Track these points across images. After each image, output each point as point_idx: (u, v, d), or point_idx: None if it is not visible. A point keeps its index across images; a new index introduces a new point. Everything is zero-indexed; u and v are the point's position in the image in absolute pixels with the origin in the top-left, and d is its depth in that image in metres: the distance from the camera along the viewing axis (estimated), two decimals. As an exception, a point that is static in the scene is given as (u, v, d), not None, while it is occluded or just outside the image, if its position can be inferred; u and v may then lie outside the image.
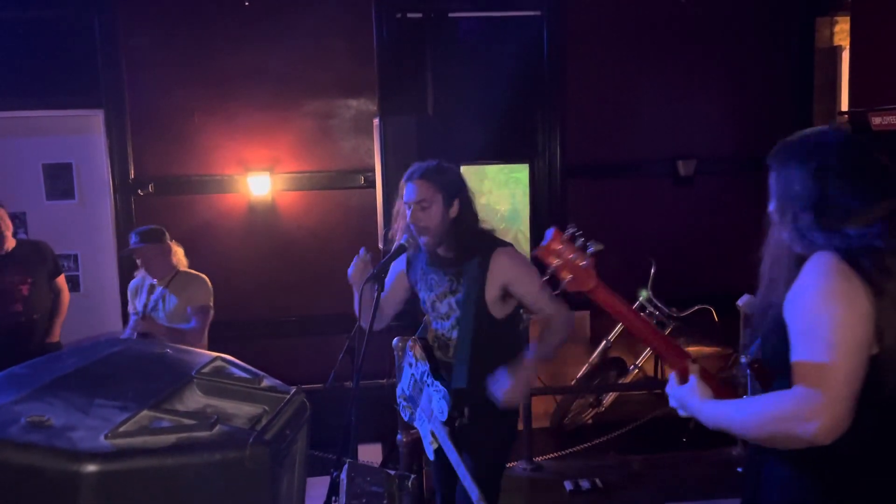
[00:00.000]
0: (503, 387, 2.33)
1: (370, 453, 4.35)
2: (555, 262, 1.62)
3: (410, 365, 2.64)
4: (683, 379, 1.60)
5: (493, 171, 5.60)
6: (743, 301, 4.00)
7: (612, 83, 5.26)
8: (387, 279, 2.56)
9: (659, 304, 4.82)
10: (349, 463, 2.04)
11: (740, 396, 1.62)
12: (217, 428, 1.32)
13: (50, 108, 4.96)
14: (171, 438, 1.27)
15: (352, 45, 5.04)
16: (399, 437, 3.37)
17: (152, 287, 3.75)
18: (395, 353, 3.33)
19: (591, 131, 5.29)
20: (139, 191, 4.97)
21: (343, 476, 2.04)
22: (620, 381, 4.91)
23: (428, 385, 2.43)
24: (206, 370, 1.59)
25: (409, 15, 5.13)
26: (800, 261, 1.49)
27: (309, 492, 1.67)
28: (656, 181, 5.32)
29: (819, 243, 1.45)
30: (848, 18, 5.14)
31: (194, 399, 1.50)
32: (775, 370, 1.56)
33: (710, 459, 4.33)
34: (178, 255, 3.78)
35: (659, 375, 5.11)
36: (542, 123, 5.34)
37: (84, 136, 5.06)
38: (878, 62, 4.57)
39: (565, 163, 5.30)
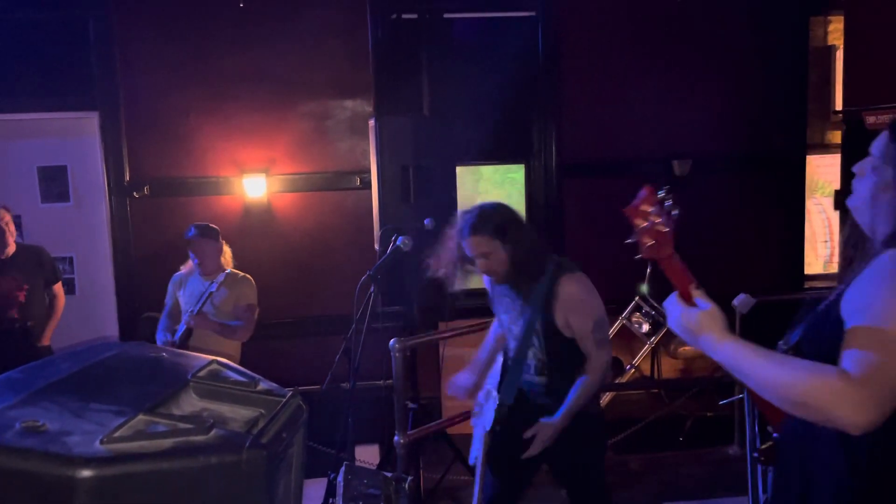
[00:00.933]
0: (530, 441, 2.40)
1: (368, 454, 4.34)
2: (642, 224, 1.54)
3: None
4: (689, 301, 1.50)
5: (489, 171, 5.61)
6: (738, 301, 4.01)
7: (607, 83, 5.27)
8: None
9: (655, 304, 4.83)
10: (346, 465, 2.03)
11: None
12: (213, 432, 1.32)
13: (44, 111, 4.95)
14: (167, 442, 1.26)
15: (347, 45, 5.04)
16: (396, 438, 3.37)
17: (196, 280, 3.95)
18: (393, 354, 3.34)
19: (586, 131, 5.29)
20: (134, 193, 4.96)
21: (340, 478, 2.05)
22: (617, 381, 4.91)
23: (493, 397, 2.50)
24: (201, 374, 1.58)
25: (405, 16, 5.13)
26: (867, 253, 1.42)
27: (306, 493, 1.67)
28: (652, 180, 5.29)
29: None
30: (842, 18, 5.16)
31: (190, 403, 1.50)
32: (812, 359, 1.46)
33: (708, 458, 4.35)
34: (227, 256, 4.03)
35: (656, 375, 5.12)
36: (537, 123, 5.35)
37: (79, 138, 5.05)
38: (872, 61, 4.58)
39: (561, 162, 5.31)
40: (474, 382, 2.75)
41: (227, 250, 4.03)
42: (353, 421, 3.34)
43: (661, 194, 1.56)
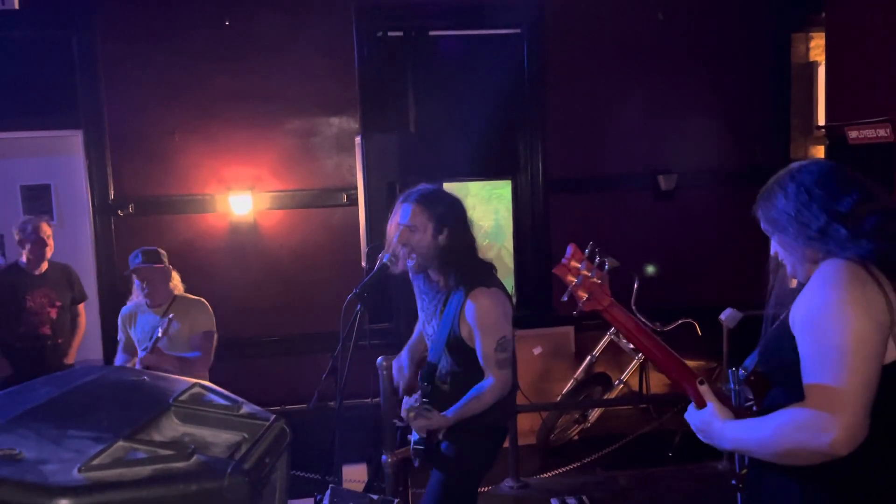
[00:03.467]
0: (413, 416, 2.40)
1: (355, 474, 4.30)
2: (573, 280, 1.60)
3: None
4: (700, 403, 1.56)
5: (477, 187, 5.62)
6: (725, 315, 4.02)
7: (593, 99, 5.30)
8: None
9: (642, 319, 4.83)
10: (332, 488, 2.01)
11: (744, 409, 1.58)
12: (194, 458, 1.30)
13: (28, 129, 4.92)
14: (146, 470, 1.24)
15: (333, 63, 5.05)
16: (384, 457, 3.33)
17: (146, 313, 3.61)
18: (380, 371, 3.32)
19: (572, 147, 5.32)
20: (119, 211, 4.92)
21: (326, 501, 2.02)
22: (606, 397, 4.90)
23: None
24: (183, 397, 1.56)
25: (390, 33, 5.15)
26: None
27: (292, 516, 1.64)
28: (637, 196, 5.35)
29: (832, 251, 1.44)
30: (823, 34, 5.23)
31: (172, 427, 1.48)
32: (775, 380, 1.55)
33: (696, 474, 4.33)
34: (176, 280, 3.68)
35: (644, 390, 5.11)
36: (523, 139, 5.37)
37: (63, 156, 5.01)
38: (853, 77, 4.64)
39: (547, 178, 5.33)
40: (410, 372, 2.71)
41: (175, 274, 3.67)
42: (341, 440, 3.31)
43: (588, 250, 1.62)
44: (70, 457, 1.22)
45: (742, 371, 1.66)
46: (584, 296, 1.59)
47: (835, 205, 1.45)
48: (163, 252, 3.66)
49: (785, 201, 1.51)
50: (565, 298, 1.63)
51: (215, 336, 3.62)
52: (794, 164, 1.58)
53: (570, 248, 1.62)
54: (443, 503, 2.53)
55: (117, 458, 1.25)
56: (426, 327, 2.59)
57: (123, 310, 3.73)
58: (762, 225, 1.62)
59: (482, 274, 2.43)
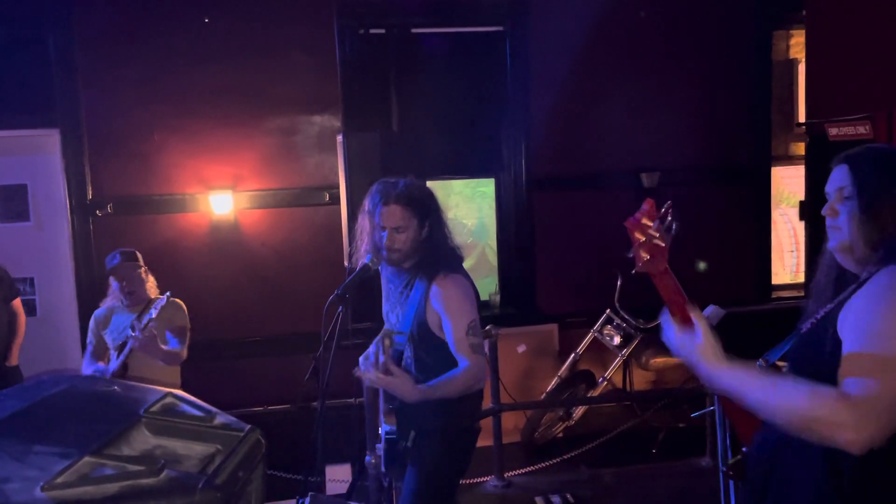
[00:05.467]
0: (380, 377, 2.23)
1: (339, 474, 4.28)
2: (640, 238, 1.54)
3: None
4: (683, 320, 1.51)
5: (460, 185, 5.60)
6: (708, 312, 4.02)
7: (575, 97, 5.29)
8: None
9: (626, 316, 4.84)
10: (311, 496, 1.99)
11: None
12: (164, 473, 1.27)
13: (3, 129, 4.83)
14: (113, 487, 1.21)
15: (314, 60, 5.00)
16: (368, 458, 3.32)
17: (121, 313, 3.62)
18: (364, 371, 3.29)
19: (555, 145, 5.31)
20: (97, 211, 4.85)
21: (305, 508, 1.99)
22: (590, 394, 4.91)
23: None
24: (155, 408, 1.53)
25: (372, 30, 5.11)
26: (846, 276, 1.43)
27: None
28: (620, 193, 5.35)
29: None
30: (803, 32, 5.25)
31: (142, 440, 1.44)
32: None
33: (681, 471, 4.35)
34: (151, 282, 3.73)
35: (628, 387, 5.12)
36: (506, 137, 5.35)
37: (39, 156, 4.93)
38: (833, 74, 4.66)
39: (530, 176, 5.31)
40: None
41: (150, 277, 3.71)
42: (324, 441, 3.29)
43: (663, 210, 1.55)
44: (33, 475, 1.19)
45: (761, 363, 1.62)
46: (646, 257, 1.53)
47: None
48: (139, 254, 3.69)
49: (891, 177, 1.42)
50: (630, 255, 1.57)
51: (188, 333, 3.66)
52: None
53: (646, 204, 1.55)
54: (421, 500, 2.50)
55: (83, 475, 1.22)
56: (390, 315, 2.57)
57: (97, 312, 3.72)
58: (842, 183, 1.50)
59: (448, 260, 2.41)
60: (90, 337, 3.70)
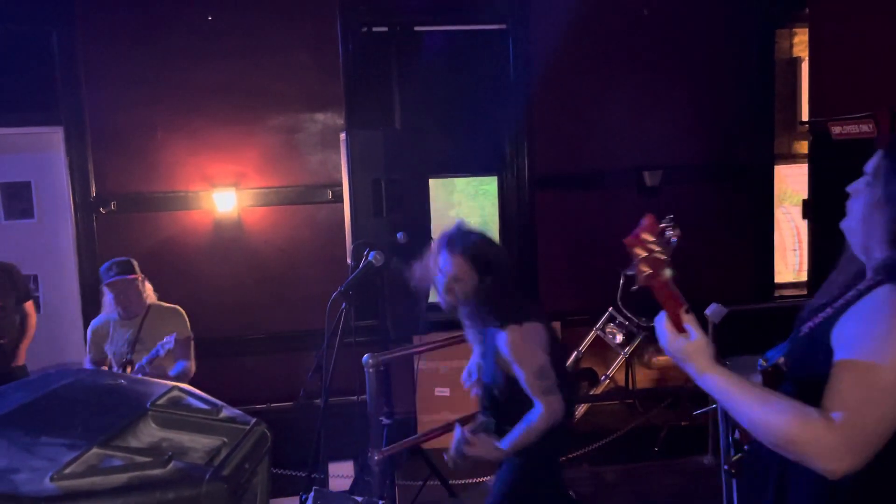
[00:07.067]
0: (462, 447, 2.45)
1: (342, 470, 4.29)
2: (641, 254, 1.53)
3: None
4: (677, 327, 1.50)
5: (462, 183, 5.60)
6: (710, 310, 4.03)
7: (578, 95, 5.30)
8: None
9: (629, 314, 4.84)
10: (315, 490, 1.99)
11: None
12: (171, 464, 1.27)
13: (7, 126, 4.85)
14: (121, 478, 1.21)
15: (317, 58, 5.01)
16: (371, 454, 3.32)
17: (119, 326, 3.55)
18: (366, 369, 3.30)
19: (558, 143, 5.31)
20: (101, 209, 4.86)
21: (310, 503, 2.00)
22: (592, 392, 4.91)
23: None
24: (161, 401, 1.53)
25: (375, 29, 5.11)
26: (860, 277, 1.41)
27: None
28: (623, 191, 5.36)
29: None
30: (807, 30, 5.25)
31: (149, 433, 1.45)
32: (798, 386, 1.47)
33: (683, 468, 4.35)
34: (149, 289, 3.64)
35: (630, 386, 5.13)
36: (509, 135, 5.35)
37: (43, 153, 4.94)
38: (837, 73, 4.66)
39: (533, 174, 5.32)
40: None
41: (147, 283, 3.63)
42: (327, 437, 3.30)
43: (663, 224, 1.55)
44: (42, 465, 1.19)
45: (762, 362, 1.62)
46: (648, 271, 1.52)
47: None
48: (134, 261, 3.61)
49: None
50: (629, 271, 1.55)
51: (192, 342, 3.61)
52: None
53: (646, 220, 1.54)
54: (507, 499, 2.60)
55: (91, 466, 1.23)
56: (476, 347, 2.63)
57: (93, 323, 3.65)
58: (869, 169, 1.45)
59: (510, 312, 2.47)
60: (89, 346, 3.65)
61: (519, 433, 2.42)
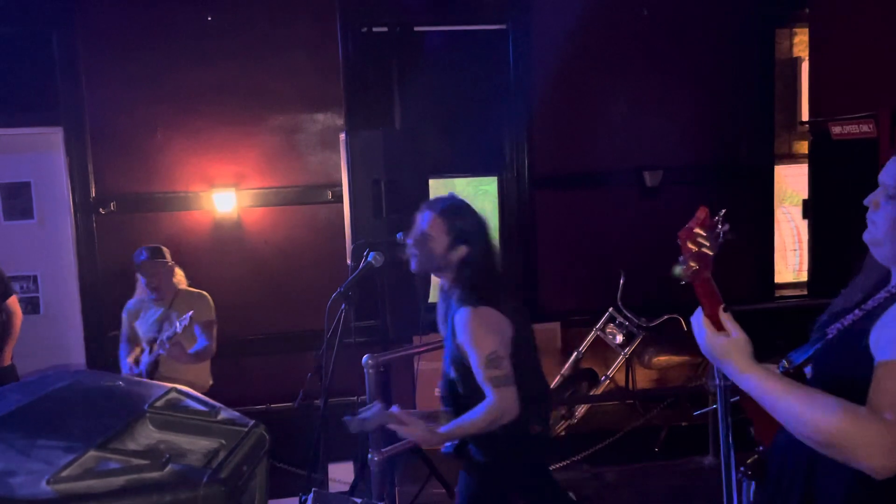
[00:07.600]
0: (385, 419, 2.29)
1: (342, 472, 4.28)
2: (692, 249, 1.50)
3: None
4: (716, 326, 1.47)
5: (462, 183, 5.59)
6: (711, 310, 4.02)
7: (578, 95, 5.29)
8: None
9: (629, 314, 4.84)
10: (315, 491, 1.99)
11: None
12: (169, 467, 1.27)
13: (7, 126, 4.84)
14: (118, 480, 1.21)
15: (317, 59, 5.00)
16: (371, 455, 3.32)
17: (151, 307, 3.85)
18: (366, 370, 3.30)
19: (558, 143, 5.31)
20: (100, 209, 4.86)
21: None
22: (592, 393, 4.91)
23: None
24: (159, 403, 1.53)
25: (375, 29, 5.11)
26: (885, 281, 1.39)
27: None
28: (623, 192, 5.35)
29: None
30: (807, 30, 5.24)
31: (147, 435, 1.44)
32: (825, 385, 1.44)
33: (683, 469, 4.35)
34: (179, 275, 3.91)
35: (630, 386, 5.12)
36: (509, 136, 5.35)
37: (43, 153, 4.94)
38: (837, 73, 4.65)
39: (533, 175, 5.31)
40: None
41: (178, 269, 3.92)
42: (326, 439, 3.30)
43: (716, 218, 1.52)
44: (39, 468, 1.19)
45: (784, 364, 1.60)
46: (695, 266, 1.49)
47: None
48: (165, 249, 3.88)
49: None
50: (680, 266, 1.52)
51: (216, 326, 3.85)
52: None
53: (701, 213, 1.51)
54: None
55: (88, 469, 1.22)
56: (441, 327, 2.54)
57: (129, 304, 3.95)
58: (893, 196, 1.42)
59: (477, 294, 2.35)
60: (123, 325, 3.94)
61: (461, 421, 2.26)
